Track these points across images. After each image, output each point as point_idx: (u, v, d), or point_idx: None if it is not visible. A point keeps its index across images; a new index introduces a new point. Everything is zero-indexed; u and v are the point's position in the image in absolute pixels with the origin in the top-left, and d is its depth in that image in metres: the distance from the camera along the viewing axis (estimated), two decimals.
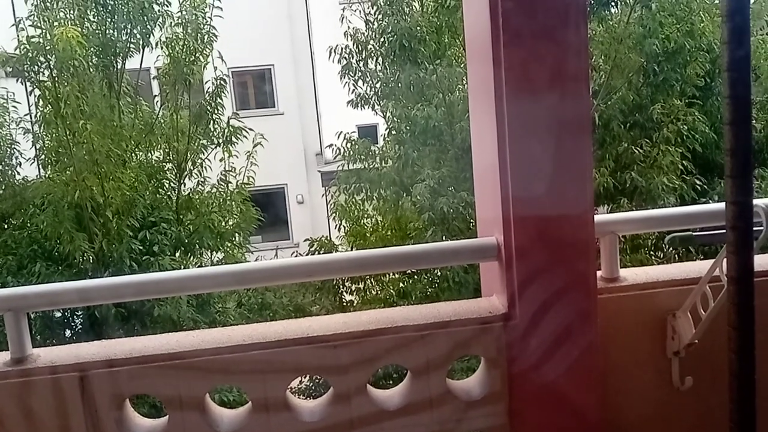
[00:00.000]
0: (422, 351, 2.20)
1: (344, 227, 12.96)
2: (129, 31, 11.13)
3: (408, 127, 11.70)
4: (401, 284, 11.62)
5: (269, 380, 2.16)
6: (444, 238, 10.55)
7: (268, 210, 16.71)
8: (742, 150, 1.75)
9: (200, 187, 11.61)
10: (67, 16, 10.73)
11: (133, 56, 11.36)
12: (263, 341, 2.16)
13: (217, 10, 11.41)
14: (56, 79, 10.40)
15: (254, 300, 11.54)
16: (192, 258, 11.17)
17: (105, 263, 10.24)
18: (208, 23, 11.38)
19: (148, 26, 11.10)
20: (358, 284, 12.03)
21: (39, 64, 10.34)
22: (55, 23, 10.28)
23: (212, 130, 11.61)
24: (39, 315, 10.13)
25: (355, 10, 12.61)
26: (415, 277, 11.59)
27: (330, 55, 12.50)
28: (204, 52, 11.42)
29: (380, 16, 12.07)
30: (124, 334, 9.54)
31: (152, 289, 2.45)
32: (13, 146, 10.97)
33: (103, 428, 2.11)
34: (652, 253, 11.40)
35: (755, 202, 1.85)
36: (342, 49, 12.39)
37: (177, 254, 10.88)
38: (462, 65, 11.16)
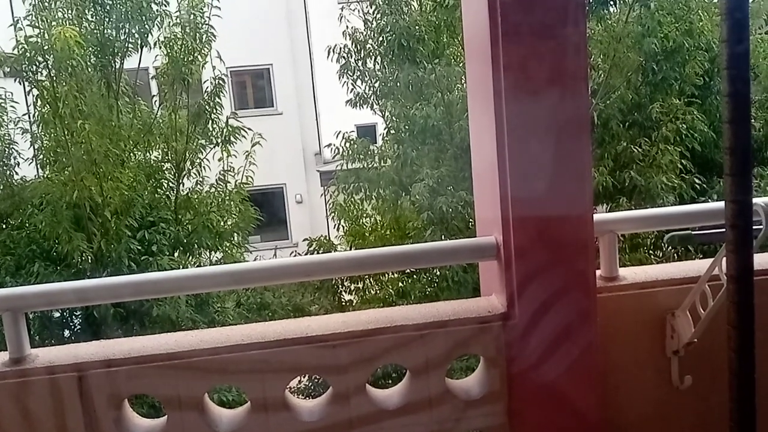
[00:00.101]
0: (421, 350, 2.19)
1: (343, 227, 12.96)
2: (127, 30, 11.11)
3: (407, 127, 11.69)
4: (400, 284, 11.61)
5: (268, 380, 2.16)
6: (443, 237, 10.55)
7: (267, 210, 16.69)
8: (742, 148, 1.75)
9: (199, 186, 11.60)
10: (65, 15, 10.72)
11: (131, 56, 11.34)
12: (262, 341, 2.16)
13: (216, 10, 11.40)
14: (54, 78, 10.38)
15: (253, 300, 11.54)
16: (191, 258, 11.16)
17: (103, 263, 10.23)
18: (207, 23, 11.37)
19: (147, 26, 11.09)
20: (357, 284, 12.03)
21: (37, 63, 10.33)
22: (53, 23, 10.26)
23: (211, 129, 11.60)
24: (37, 315, 10.12)
25: (353, 10, 12.59)
26: (414, 276, 11.59)
27: (329, 54, 12.50)
28: (202, 51, 11.41)
29: (379, 16, 12.06)
30: (123, 334, 9.53)
31: (151, 289, 2.44)
32: (11, 146, 10.94)
33: (102, 428, 2.11)
34: (651, 252, 11.40)
35: (754, 200, 1.85)
36: (341, 48, 12.38)
37: (176, 254, 10.88)
38: (461, 64, 11.16)
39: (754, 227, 1.85)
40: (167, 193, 11.44)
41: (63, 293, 2.28)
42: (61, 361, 2.12)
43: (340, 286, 12.14)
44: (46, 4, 10.51)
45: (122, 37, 11.16)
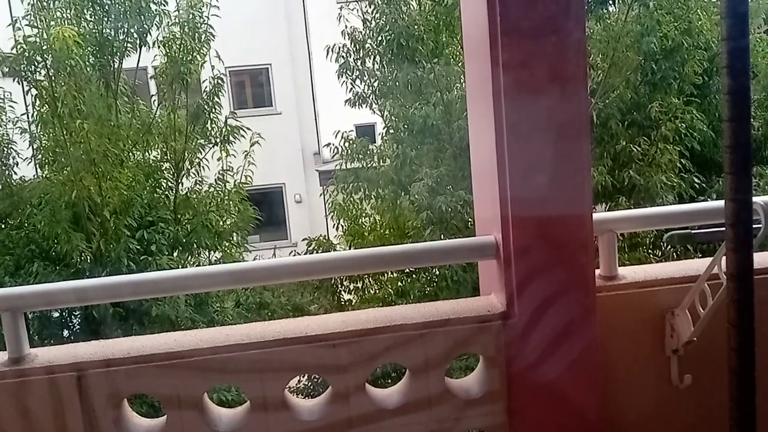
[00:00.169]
0: (421, 350, 2.19)
1: (342, 226, 12.95)
2: (126, 30, 11.11)
3: (406, 126, 11.69)
4: (399, 283, 11.61)
5: (268, 379, 2.16)
6: (442, 236, 10.54)
7: (266, 209, 16.69)
8: (742, 146, 1.75)
9: (198, 186, 11.60)
10: (64, 15, 10.71)
11: (130, 55, 11.33)
12: (261, 340, 2.15)
13: (215, 9, 11.39)
14: (53, 78, 10.38)
15: (252, 299, 11.54)
16: (190, 257, 11.16)
17: (102, 263, 10.22)
18: (206, 22, 11.36)
19: (145, 25, 11.08)
20: (357, 283, 12.02)
21: (36, 63, 10.32)
22: (52, 23, 10.26)
23: (210, 129, 11.61)
24: (36, 315, 10.11)
25: (352, 9, 12.58)
26: (414, 275, 11.58)
27: (327, 54, 12.49)
28: (201, 51, 11.41)
29: (378, 15, 12.05)
30: (122, 334, 9.53)
31: (150, 288, 2.44)
32: (10, 146, 10.94)
33: (101, 428, 2.11)
34: (650, 251, 11.40)
35: (754, 199, 1.84)
36: (339, 48, 12.37)
37: (175, 254, 10.88)
38: (460, 63, 11.16)
39: (753, 226, 1.85)
40: (166, 192, 11.44)
41: (62, 293, 2.28)
42: (61, 360, 2.12)
43: (340, 286, 12.14)
44: (45, 3, 10.51)
45: (121, 37, 11.15)
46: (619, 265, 2.40)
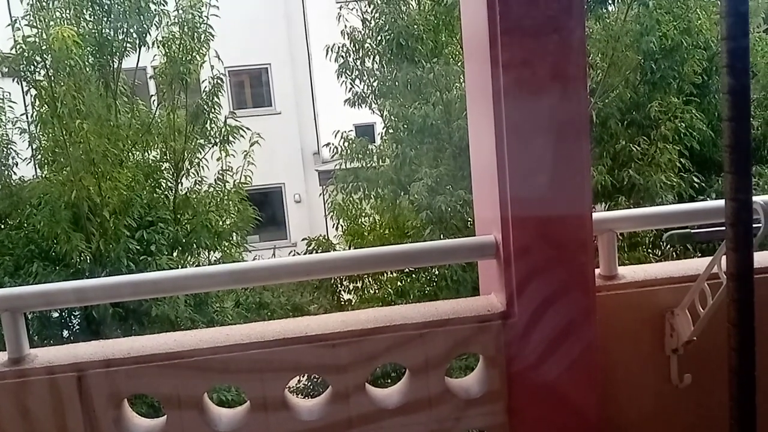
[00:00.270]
0: (421, 349, 2.19)
1: (342, 226, 12.95)
2: (125, 30, 11.10)
3: (405, 126, 11.68)
4: (399, 283, 11.61)
5: (268, 379, 2.15)
6: (442, 236, 10.54)
7: (266, 209, 16.70)
8: (742, 146, 1.75)
9: (197, 186, 11.60)
10: (63, 15, 10.70)
11: (129, 55, 11.32)
12: (261, 340, 2.15)
13: (214, 9, 11.39)
14: (52, 78, 10.37)
15: (252, 299, 11.54)
16: (189, 257, 11.15)
17: (102, 263, 10.22)
18: (205, 22, 11.36)
19: (145, 25, 11.08)
20: (356, 283, 12.02)
21: (35, 63, 10.32)
22: (51, 23, 10.25)
23: (209, 129, 11.61)
24: (36, 315, 10.11)
25: (351, 9, 12.58)
26: (413, 275, 11.58)
27: (327, 53, 12.48)
28: (201, 51, 11.40)
29: (377, 15, 12.05)
30: (122, 334, 9.53)
31: (150, 288, 2.44)
32: (9, 146, 10.94)
33: (101, 428, 2.11)
34: (650, 250, 11.40)
35: (754, 198, 1.84)
36: (339, 47, 12.37)
37: (174, 254, 10.87)
38: (459, 63, 11.16)
39: (753, 225, 1.85)
40: (166, 192, 11.44)
41: (62, 293, 2.27)
42: (61, 361, 2.12)
43: (339, 286, 12.13)
44: (44, 3, 10.50)
45: (120, 37, 11.14)
46: (619, 265, 2.40)
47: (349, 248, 12.31)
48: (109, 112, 10.83)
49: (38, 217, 9.95)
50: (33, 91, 10.61)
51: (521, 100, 2.08)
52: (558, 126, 2.11)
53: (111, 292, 2.55)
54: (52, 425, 2.08)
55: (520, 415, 2.25)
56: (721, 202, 1.88)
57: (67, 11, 10.77)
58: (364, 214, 12.93)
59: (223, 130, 11.67)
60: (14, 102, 11.15)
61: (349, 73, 12.44)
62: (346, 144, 12.43)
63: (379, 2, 12.03)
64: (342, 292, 12.21)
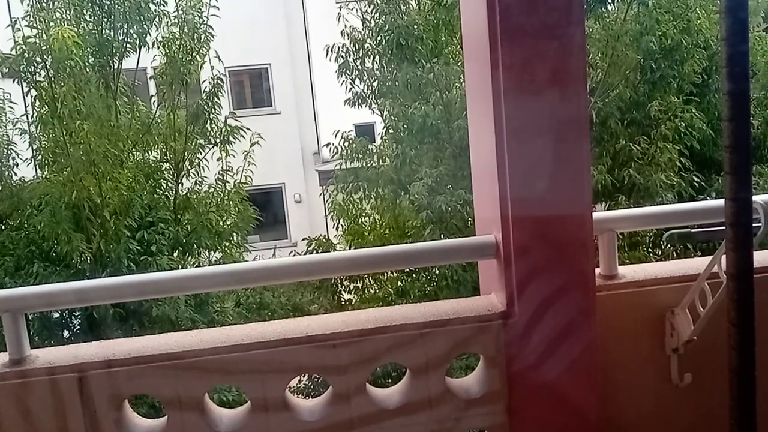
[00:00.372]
0: (421, 349, 2.19)
1: (342, 226, 12.95)
2: (125, 30, 11.11)
3: (405, 126, 11.68)
4: (399, 283, 11.62)
5: (268, 380, 2.16)
6: (442, 236, 10.55)
7: (266, 209, 16.71)
8: (741, 146, 1.75)
9: (198, 186, 11.61)
10: (63, 16, 10.70)
11: (129, 56, 11.33)
12: (262, 341, 2.15)
13: (214, 10, 11.39)
14: (53, 79, 10.38)
15: (252, 299, 11.53)
16: (190, 258, 11.16)
17: (103, 263, 10.23)
18: (205, 22, 11.37)
19: (145, 26, 11.08)
20: (357, 283, 12.02)
21: (35, 64, 10.33)
22: (51, 23, 10.25)
23: (209, 129, 11.61)
24: (37, 316, 10.11)
25: (351, 9, 12.58)
26: (414, 275, 11.58)
27: (327, 53, 12.49)
28: (201, 51, 11.41)
29: (377, 15, 12.05)
30: (123, 335, 9.53)
31: (150, 289, 2.44)
32: (9, 147, 10.95)
33: (102, 429, 2.11)
34: (650, 250, 11.40)
35: (754, 198, 1.85)
36: (339, 47, 12.37)
37: (175, 254, 10.88)
38: (459, 63, 11.16)
39: (753, 225, 1.85)
40: (166, 193, 11.44)
41: (62, 294, 2.28)
42: (61, 361, 2.12)
43: (340, 286, 12.14)
44: (44, 4, 10.51)
45: (120, 38, 11.15)
46: (619, 264, 2.41)
47: (350, 248, 12.32)
48: (109, 112, 10.83)
49: (39, 218, 9.96)
50: (33, 92, 10.61)
51: (521, 100, 2.08)
52: (558, 126, 2.11)
53: (112, 293, 2.56)
54: (53, 426, 2.08)
55: (520, 415, 2.25)
56: (721, 202, 1.88)
57: (67, 12, 10.77)
58: (364, 214, 12.94)
59: (223, 130, 11.67)
60: (14, 103, 11.16)
61: (349, 73, 12.43)
62: (346, 144, 12.43)
63: (379, 2, 12.03)
64: (342, 292, 12.22)
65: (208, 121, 11.58)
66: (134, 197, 10.55)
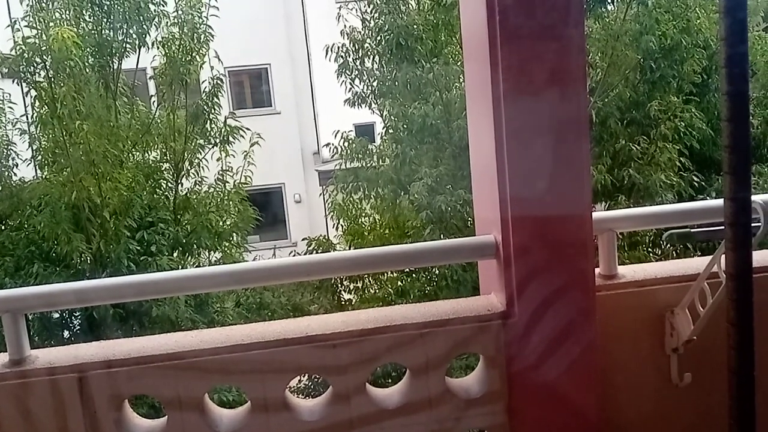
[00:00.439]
0: (421, 349, 2.19)
1: (342, 226, 12.95)
2: (125, 31, 11.11)
3: (405, 126, 11.68)
4: (399, 283, 11.61)
5: (268, 380, 2.16)
6: (442, 236, 10.55)
7: (266, 209, 16.71)
8: (741, 146, 1.75)
9: (198, 187, 11.61)
10: (63, 16, 10.70)
11: (129, 56, 11.33)
12: (262, 341, 2.16)
13: (213, 10, 11.39)
14: (52, 79, 10.38)
15: (252, 299, 11.53)
16: (190, 258, 11.16)
17: (103, 264, 10.23)
18: (205, 23, 11.36)
19: (144, 26, 11.08)
20: (357, 283, 12.02)
21: (35, 64, 10.32)
22: (51, 24, 10.25)
23: (209, 129, 11.61)
24: (37, 316, 10.11)
25: (351, 9, 12.58)
26: (414, 275, 11.58)
27: (327, 53, 12.48)
28: (200, 51, 11.41)
29: (377, 15, 12.05)
30: (123, 335, 9.53)
31: (150, 289, 2.44)
32: (9, 147, 10.94)
33: (102, 429, 2.11)
34: (650, 250, 11.40)
35: (753, 198, 1.85)
36: (339, 47, 12.37)
37: (175, 254, 10.87)
38: (459, 63, 11.15)
39: (752, 225, 1.86)
40: (166, 193, 11.44)
41: (62, 294, 2.28)
42: (62, 362, 2.12)
43: (340, 286, 12.14)
44: (44, 4, 10.50)
45: (120, 38, 11.15)
46: (619, 264, 2.41)
47: (349, 248, 12.32)
48: (109, 112, 10.83)
49: (39, 218, 9.96)
50: (33, 92, 10.61)
51: (521, 100, 2.09)
52: (558, 126, 2.11)
53: (112, 293, 2.56)
54: (53, 426, 2.08)
55: (520, 415, 2.26)
56: (720, 202, 1.88)
57: (67, 12, 10.77)
58: (364, 214, 12.93)
59: (223, 130, 11.67)
60: (14, 103, 11.15)
61: (349, 73, 12.43)
62: (346, 144, 12.43)
63: (378, 2, 12.02)
64: (342, 292, 12.22)
65: (208, 122, 11.58)
66: (134, 197, 10.55)
